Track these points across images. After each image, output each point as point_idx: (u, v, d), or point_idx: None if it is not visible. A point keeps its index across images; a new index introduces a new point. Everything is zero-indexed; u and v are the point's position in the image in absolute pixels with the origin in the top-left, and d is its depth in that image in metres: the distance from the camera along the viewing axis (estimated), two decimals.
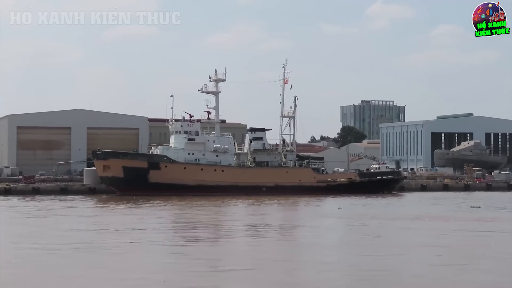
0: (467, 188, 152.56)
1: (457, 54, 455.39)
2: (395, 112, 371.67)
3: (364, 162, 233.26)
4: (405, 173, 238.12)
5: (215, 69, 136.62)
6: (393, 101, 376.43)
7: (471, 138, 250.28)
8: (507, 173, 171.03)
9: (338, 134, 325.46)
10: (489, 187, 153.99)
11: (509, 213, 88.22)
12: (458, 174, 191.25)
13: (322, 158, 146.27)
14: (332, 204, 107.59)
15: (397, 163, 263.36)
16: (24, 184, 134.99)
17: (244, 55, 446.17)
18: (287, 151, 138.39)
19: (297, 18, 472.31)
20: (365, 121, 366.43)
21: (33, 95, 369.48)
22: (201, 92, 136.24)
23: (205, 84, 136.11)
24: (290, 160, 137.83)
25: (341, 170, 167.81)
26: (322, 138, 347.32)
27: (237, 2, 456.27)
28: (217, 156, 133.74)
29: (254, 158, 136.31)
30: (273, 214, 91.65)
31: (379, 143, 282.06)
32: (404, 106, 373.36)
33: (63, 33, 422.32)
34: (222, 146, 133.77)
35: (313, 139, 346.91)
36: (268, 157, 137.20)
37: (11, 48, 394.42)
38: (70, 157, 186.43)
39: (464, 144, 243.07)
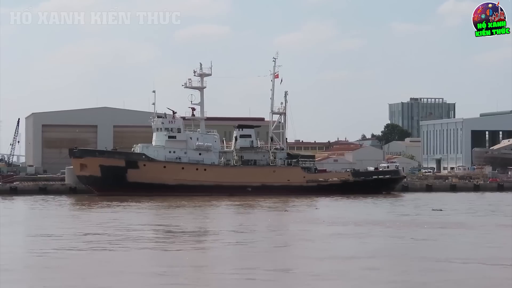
0: (476, 188, 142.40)
1: None
2: (445, 110, 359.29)
3: (402, 161, 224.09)
4: (444, 172, 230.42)
5: (200, 63, 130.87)
6: (442, 99, 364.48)
7: None
8: None
9: (382, 132, 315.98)
10: (501, 188, 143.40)
11: (463, 217, 79.81)
12: (496, 173, 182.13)
13: (313, 157, 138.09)
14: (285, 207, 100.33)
15: (438, 161, 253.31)
16: (1, 184, 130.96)
17: (315, 54, 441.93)
18: (276, 148, 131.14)
19: (368, 17, 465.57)
20: (413, 119, 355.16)
21: (106, 93, 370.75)
22: (184, 88, 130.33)
23: (189, 79, 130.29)
24: (280, 159, 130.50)
25: (372, 169, 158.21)
26: (373, 136, 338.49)
27: (308, 1, 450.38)
28: (200, 154, 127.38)
29: (242, 157, 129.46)
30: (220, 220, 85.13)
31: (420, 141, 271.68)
32: (454, 104, 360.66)
33: (137, 34, 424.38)
34: (205, 144, 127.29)
35: (363, 137, 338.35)
36: (256, 155, 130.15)
37: (86, 48, 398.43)
38: None
39: (504, 143, 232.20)
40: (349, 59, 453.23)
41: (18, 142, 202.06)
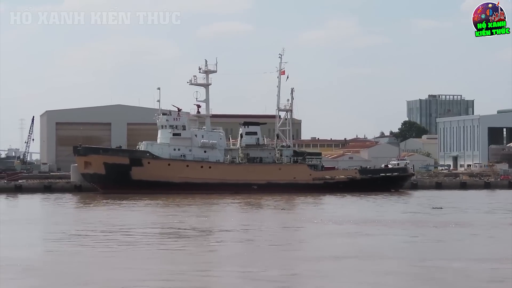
0: (487, 186, 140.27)
1: None
2: (463, 107, 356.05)
3: (418, 158, 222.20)
4: (461, 169, 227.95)
5: (205, 60, 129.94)
6: (460, 95, 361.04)
7: None
8: None
9: (399, 129, 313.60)
10: (511, 186, 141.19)
11: (462, 216, 78.13)
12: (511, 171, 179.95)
13: (319, 154, 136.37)
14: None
15: (455, 159, 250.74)
16: (6, 182, 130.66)
17: (334, 51, 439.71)
18: (282, 146, 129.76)
19: (389, 14, 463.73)
20: (431, 116, 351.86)
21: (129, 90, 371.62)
22: (190, 84, 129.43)
23: (195, 76, 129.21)
24: (286, 156, 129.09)
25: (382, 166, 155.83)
26: (391, 133, 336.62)
27: None
28: (205, 152, 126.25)
29: (247, 154, 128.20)
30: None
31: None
32: (473, 101, 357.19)
33: (158, 32, 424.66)
34: (210, 141, 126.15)
35: (382, 134, 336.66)
36: (262, 152, 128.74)
37: (107, 46, 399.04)
38: None
39: None
40: (368, 56, 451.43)
41: (33, 140, 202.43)
